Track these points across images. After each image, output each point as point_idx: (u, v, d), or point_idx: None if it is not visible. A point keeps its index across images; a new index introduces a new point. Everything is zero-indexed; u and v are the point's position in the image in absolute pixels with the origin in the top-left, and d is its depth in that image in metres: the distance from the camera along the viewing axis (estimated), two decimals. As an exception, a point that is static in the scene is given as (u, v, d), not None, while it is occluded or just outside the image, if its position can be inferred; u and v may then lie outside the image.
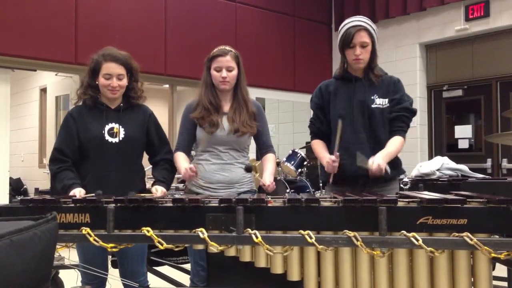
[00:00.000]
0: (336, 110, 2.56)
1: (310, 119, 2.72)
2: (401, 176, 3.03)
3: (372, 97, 2.52)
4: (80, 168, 2.48)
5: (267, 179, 2.52)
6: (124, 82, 2.49)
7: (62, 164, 2.44)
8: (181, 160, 2.56)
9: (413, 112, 2.57)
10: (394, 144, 2.47)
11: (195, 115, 2.59)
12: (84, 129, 2.47)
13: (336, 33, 7.43)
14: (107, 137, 2.46)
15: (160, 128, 2.66)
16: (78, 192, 2.26)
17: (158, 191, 2.43)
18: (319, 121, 2.65)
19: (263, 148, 2.72)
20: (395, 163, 2.54)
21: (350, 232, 1.77)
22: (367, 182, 2.46)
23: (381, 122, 2.52)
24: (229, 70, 2.56)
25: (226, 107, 2.64)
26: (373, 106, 2.51)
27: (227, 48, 2.59)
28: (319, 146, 2.64)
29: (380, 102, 2.52)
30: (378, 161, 2.32)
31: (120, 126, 2.50)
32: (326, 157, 2.48)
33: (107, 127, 2.48)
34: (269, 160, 2.69)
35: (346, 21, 2.54)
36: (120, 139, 2.48)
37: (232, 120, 2.57)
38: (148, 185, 2.66)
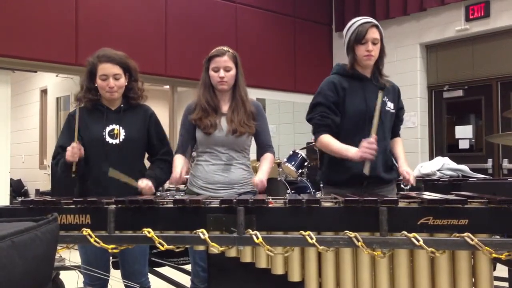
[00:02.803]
0: (353, 107, 2.51)
1: (321, 112, 2.52)
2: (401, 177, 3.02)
3: (384, 99, 2.55)
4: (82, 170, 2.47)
5: (258, 177, 2.48)
6: (122, 82, 2.48)
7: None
8: (177, 164, 2.55)
9: None
10: (402, 147, 2.70)
11: (193, 116, 2.59)
12: (85, 130, 2.47)
13: (337, 34, 7.52)
14: (107, 138, 2.46)
15: (161, 128, 2.66)
16: (71, 148, 2.30)
17: (144, 182, 2.40)
18: (334, 114, 2.52)
19: (262, 147, 2.69)
20: (393, 166, 2.57)
21: (351, 232, 1.77)
22: (371, 183, 2.47)
23: (390, 124, 2.60)
24: (226, 70, 2.56)
25: (225, 107, 2.63)
26: (386, 108, 2.55)
27: (225, 48, 2.59)
28: (333, 140, 2.46)
29: (390, 106, 2.58)
30: (412, 173, 2.52)
31: (121, 127, 2.50)
32: (352, 149, 2.36)
33: (107, 129, 2.48)
34: (266, 159, 2.65)
35: (355, 19, 2.55)
36: (121, 140, 2.48)
37: (230, 120, 2.57)
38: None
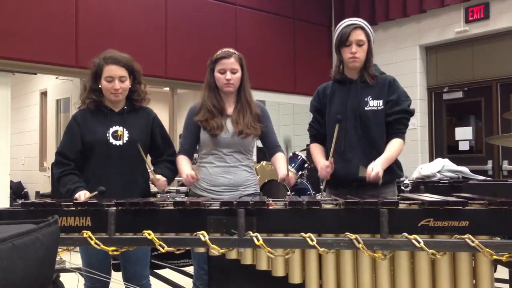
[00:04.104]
0: (331, 114, 2.56)
1: (310, 122, 2.73)
2: (402, 178, 3.02)
3: (366, 99, 2.50)
4: (85, 171, 2.48)
5: (284, 173, 2.47)
6: (127, 84, 2.49)
7: (65, 168, 2.44)
8: (184, 164, 2.57)
9: (411, 113, 2.53)
10: (394, 147, 2.44)
11: (198, 118, 2.59)
12: (88, 132, 2.47)
13: (336, 36, 7.52)
14: (111, 140, 2.47)
15: (164, 130, 2.68)
16: (83, 195, 2.26)
17: (160, 177, 2.46)
18: (318, 124, 2.65)
19: (271, 148, 2.71)
20: (390, 168, 2.49)
21: (351, 234, 1.76)
22: (361, 185, 2.43)
23: (375, 124, 2.48)
24: (233, 72, 2.56)
25: (230, 109, 2.64)
26: (366, 108, 2.48)
27: (231, 50, 2.60)
28: (316, 151, 2.65)
29: (374, 104, 2.49)
30: (376, 169, 2.29)
31: (124, 129, 2.50)
32: (320, 163, 2.51)
33: (111, 130, 2.48)
34: (280, 158, 2.66)
35: (342, 21, 2.55)
36: (124, 141, 2.48)
37: (236, 122, 2.57)
38: (151, 188, 2.67)
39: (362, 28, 2.47)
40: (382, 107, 2.49)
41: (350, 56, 2.46)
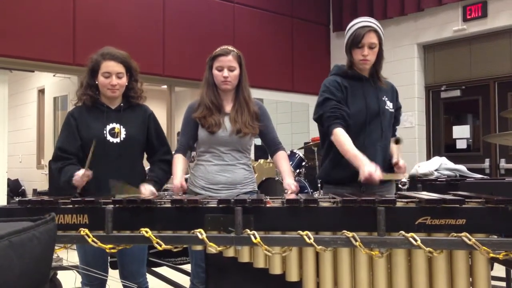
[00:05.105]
0: (354, 108, 2.50)
1: (331, 106, 2.45)
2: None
3: (383, 99, 2.57)
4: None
5: (288, 182, 2.47)
6: (124, 80, 2.49)
7: (65, 161, 2.43)
8: (178, 168, 2.53)
9: None
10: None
11: (197, 114, 2.58)
12: (85, 129, 2.47)
13: (334, 34, 7.53)
14: (108, 137, 2.46)
15: (159, 127, 2.66)
16: (83, 172, 2.29)
17: (146, 190, 2.39)
18: (345, 106, 2.48)
19: (272, 146, 2.69)
20: (392, 165, 2.56)
21: (348, 232, 1.77)
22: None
23: (389, 123, 2.60)
24: (230, 70, 2.56)
25: (228, 107, 2.63)
26: (386, 107, 2.57)
27: (229, 48, 2.59)
28: (348, 140, 2.37)
29: (389, 105, 2.59)
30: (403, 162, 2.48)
31: (121, 126, 2.50)
32: (366, 166, 2.24)
33: (108, 127, 2.48)
34: (282, 159, 2.65)
35: (355, 21, 2.54)
36: (122, 139, 2.48)
37: (234, 120, 2.57)
38: None
39: (375, 31, 2.47)
40: (393, 110, 2.62)
41: (362, 58, 2.47)
